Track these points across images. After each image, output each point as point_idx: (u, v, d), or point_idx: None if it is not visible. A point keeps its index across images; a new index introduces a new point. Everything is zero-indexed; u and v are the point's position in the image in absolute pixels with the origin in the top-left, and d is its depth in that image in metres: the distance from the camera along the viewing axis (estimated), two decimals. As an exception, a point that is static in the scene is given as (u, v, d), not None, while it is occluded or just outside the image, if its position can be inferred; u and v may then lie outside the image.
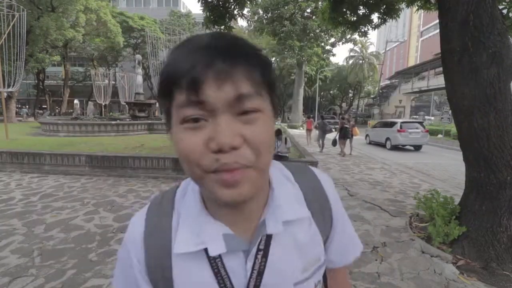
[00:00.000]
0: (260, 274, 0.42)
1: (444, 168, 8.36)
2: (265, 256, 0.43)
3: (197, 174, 0.36)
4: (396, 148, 12.27)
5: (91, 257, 2.72)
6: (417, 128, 11.99)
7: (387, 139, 12.47)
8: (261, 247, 0.43)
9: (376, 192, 5.27)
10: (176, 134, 0.37)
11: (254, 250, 0.42)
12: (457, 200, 3.27)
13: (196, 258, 0.42)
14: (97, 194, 4.78)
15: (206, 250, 0.41)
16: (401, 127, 11.86)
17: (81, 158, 6.27)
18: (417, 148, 12.38)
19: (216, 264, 0.42)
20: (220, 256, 0.41)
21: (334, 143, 10.35)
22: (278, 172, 0.49)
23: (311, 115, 16.55)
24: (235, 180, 0.35)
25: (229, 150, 0.34)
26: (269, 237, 0.43)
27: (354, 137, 10.59)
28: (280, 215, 0.43)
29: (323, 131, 10.74)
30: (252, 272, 0.42)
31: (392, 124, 12.57)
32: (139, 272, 0.44)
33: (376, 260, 2.78)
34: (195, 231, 0.42)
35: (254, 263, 0.42)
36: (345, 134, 9.90)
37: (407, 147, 12.43)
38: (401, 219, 3.86)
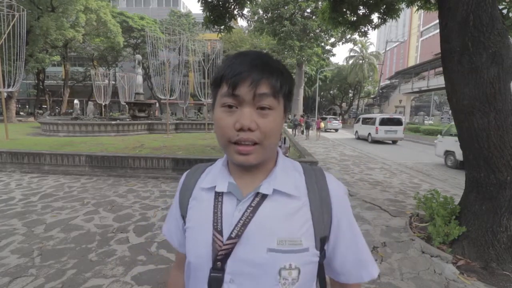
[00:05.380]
0: (245, 225, 0.53)
1: (445, 168, 8.36)
2: (253, 212, 0.54)
3: (224, 142, 0.54)
4: (326, 131, 23.71)
5: (91, 257, 2.72)
6: (336, 120, 25.76)
7: (325, 126, 23.23)
8: (253, 204, 0.55)
9: (376, 192, 5.28)
10: (217, 113, 0.55)
11: (246, 202, 0.55)
12: (457, 200, 3.27)
13: (207, 192, 0.60)
14: (97, 194, 4.78)
15: (215, 189, 0.59)
16: (328, 120, 25.11)
17: (81, 158, 6.27)
18: (336, 130, 25.17)
19: (217, 199, 0.58)
20: (222, 195, 0.58)
21: (302, 132, 18.53)
22: (289, 163, 0.63)
23: (305, 115, 24.15)
24: (247, 151, 0.52)
25: (246, 130, 0.51)
26: (262, 198, 0.56)
27: (320, 128, 17.53)
28: (273, 183, 0.57)
29: (307, 126, 17.44)
30: (238, 221, 0.54)
31: (325, 119, 25.37)
32: (176, 197, 0.68)
33: (376, 260, 2.78)
34: (214, 178, 0.61)
35: (243, 214, 0.54)
36: (307, 126, 17.34)
37: (332, 130, 25.08)
38: (401, 219, 3.86)
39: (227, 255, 0.52)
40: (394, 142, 15.94)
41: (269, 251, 0.52)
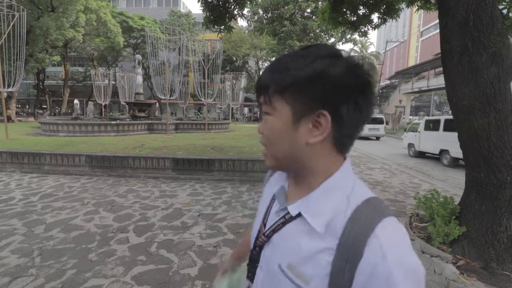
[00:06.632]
0: (274, 231, 0.56)
1: (444, 168, 8.36)
2: (282, 225, 0.55)
3: None
4: None
5: (91, 257, 2.72)
6: None
7: None
8: (286, 217, 0.55)
9: (376, 192, 5.27)
10: None
11: (282, 211, 0.57)
12: (457, 200, 3.27)
13: (271, 188, 0.67)
14: (97, 194, 4.78)
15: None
16: None
17: (81, 158, 6.27)
18: None
19: (272, 197, 0.64)
20: (274, 195, 0.63)
21: None
22: (348, 189, 0.51)
23: None
24: (263, 154, 0.58)
25: (260, 133, 0.56)
26: (292, 218, 0.54)
27: None
28: (303, 206, 0.53)
29: None
30: (273, 224, 0.57)
31: None
32: (265, 181, 0.75)
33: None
34: (277, 177, 0.68)
35: (277, 221, 0.56)
36: None
37: None
38: (401, 219, 3.86)
39: (261, 247, 0.59)
40: (378, 138, 18.45)
41: (279, 268, 0.52)
